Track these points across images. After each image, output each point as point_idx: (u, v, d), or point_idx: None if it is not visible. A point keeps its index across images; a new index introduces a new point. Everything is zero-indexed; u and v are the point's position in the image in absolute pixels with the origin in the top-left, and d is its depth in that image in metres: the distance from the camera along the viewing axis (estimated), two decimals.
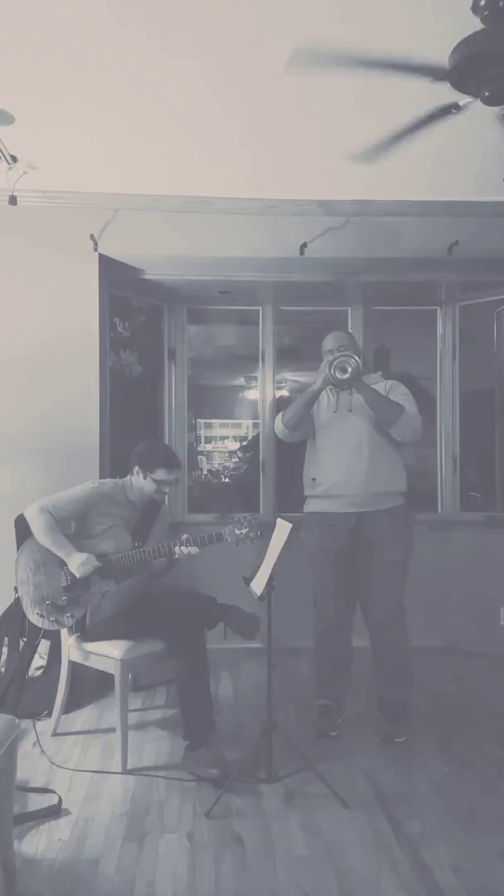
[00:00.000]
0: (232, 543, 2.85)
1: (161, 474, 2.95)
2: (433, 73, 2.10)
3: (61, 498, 2.92)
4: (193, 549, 2.84)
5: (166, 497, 3.15)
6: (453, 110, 2.26)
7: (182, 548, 2.84)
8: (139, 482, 3.00)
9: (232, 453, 5.34)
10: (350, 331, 4.44)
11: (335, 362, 2.87)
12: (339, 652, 3.11)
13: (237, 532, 2.83)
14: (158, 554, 2.88)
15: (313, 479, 3.09)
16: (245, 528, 2.83)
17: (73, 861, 2.14)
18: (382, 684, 3.06)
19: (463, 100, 2.20)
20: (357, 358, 2.88)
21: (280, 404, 4.41)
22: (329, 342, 3.12)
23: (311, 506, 3.13)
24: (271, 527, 2.75)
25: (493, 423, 4.48)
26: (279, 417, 3.16)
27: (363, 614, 3.08)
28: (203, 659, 2.78)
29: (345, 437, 3.02)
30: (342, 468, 2.99)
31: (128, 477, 3.05)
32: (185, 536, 2.85)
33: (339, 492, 3.00)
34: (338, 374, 2.86)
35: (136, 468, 3.00)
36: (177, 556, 2.85)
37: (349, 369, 2.85)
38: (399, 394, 3.07)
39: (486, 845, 2.21)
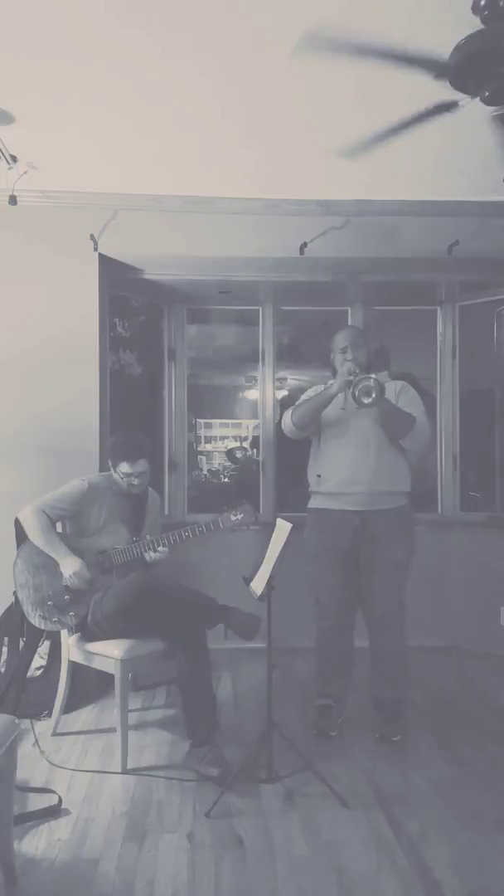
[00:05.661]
0: (228, 530, 2.83)
1: (124, 468, 2.94)
2: (434, 67, 2.10)
3: (54, 497, 2.93)
4: (163, 550, 2.86)
5: (165, 491, 3.15)
6: (451, 108, 2.26)
7: (150, 553, 2.87)
8: (115, 476, 3.01)
9: (230, 452, 5.34)
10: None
11: (359, 387, 2.79)
12: (341, 651, 3.11)
13: (233, 518, 2.82)
14: (156, 546, 2.88)
15: (319, 476, 3.06)
16: (240, 514, 2.82)
17: (73, 861, 2.14)
18: (378, 682, 3.07)
19: (462, 99, 2.20)
20: (377, 380, 2.79)
21: (282, 404, 4.40)
22: (341, 340, 3.11)
23: (316, 502, 3.11)
24: (271, 527, 2.74)
25: (493, 423, 4.48)
26: (288, 415, 3.11)
27: (364, 613, 3.08)
28: (205, 657, 2.78)
29: (352, 434, 3.00)
30: (348, 465, 2.97)
31: None
32: (187, 532, 2.86)
33: (344, 490, 2.98)
34: (364, 400, 2.78)
35: (109, 462, 3.02)
36: (148, 560, 2.87)
37: (374, 395, 2.77)
38: (408, 399, 3.05)
39: (486, 845, 2.21)
